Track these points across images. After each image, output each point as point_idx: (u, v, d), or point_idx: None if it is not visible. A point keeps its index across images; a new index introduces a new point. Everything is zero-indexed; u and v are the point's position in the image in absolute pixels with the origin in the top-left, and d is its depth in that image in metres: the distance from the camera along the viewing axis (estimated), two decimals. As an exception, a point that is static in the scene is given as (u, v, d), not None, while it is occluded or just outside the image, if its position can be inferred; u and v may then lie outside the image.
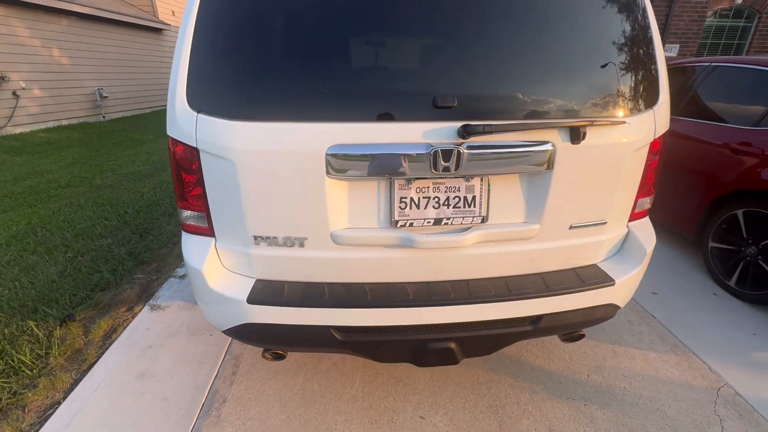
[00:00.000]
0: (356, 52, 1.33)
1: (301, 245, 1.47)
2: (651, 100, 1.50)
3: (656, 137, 1.53)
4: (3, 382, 2.13)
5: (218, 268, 1.53)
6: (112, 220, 4.18)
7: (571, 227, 1.54)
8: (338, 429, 1.88)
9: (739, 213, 2.89)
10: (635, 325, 2.63)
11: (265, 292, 1.48)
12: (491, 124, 1.27)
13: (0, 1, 7.66)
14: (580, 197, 1.49)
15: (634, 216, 1.69)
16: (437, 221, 1.45)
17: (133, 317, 2.72)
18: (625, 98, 1.45)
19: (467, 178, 1.42)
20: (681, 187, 3.34)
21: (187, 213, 1.51)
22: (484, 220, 1.47)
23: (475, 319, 1.49)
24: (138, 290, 3.01)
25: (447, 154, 1.32)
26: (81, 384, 2.16)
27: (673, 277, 3.21)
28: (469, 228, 1.48)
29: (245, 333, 1.53)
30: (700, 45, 9.06)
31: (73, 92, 9.48)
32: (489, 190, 1.45)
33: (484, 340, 1.57)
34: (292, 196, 1.37)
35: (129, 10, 11.54)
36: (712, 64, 3.50)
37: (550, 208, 1.48)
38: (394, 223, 1.44)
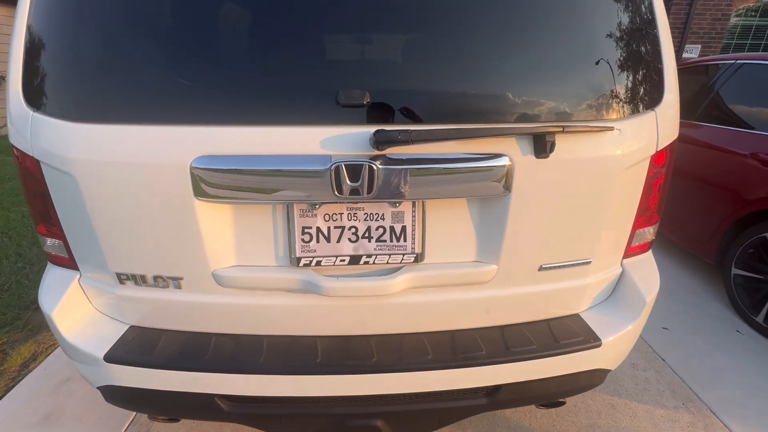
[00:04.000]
0: (228, 30, 0.97)
1: (177, 287, 1.11)
2: (652, 99, 1.10)
3: (660, 149, 1.13)
4: None
5: (80, 310, 1.19)
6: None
7: (541, 268, 1.15)
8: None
9: (770, 236, 2.43)
10: (640, 369, 2.20)
11: (132, 347, 1.13)
12: (415, 130, 0.90)
13: None
14: (553, 229, 1.10)
15: (631, 251, 1.28)
16: (354, 259, 1.08)
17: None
18: (615, 96, 1.05)
19: (394, 203, 1.05)
20: (699, 202, 2.87)
21: (45, 240, 1.18)
22: (418, 258, 1.09)
23: (408, 390, 1.11)
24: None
25: (354, 171, 0.94)
26: (-28, 429, 1.85)
27: (688, 309, 2.74)
28: (399, 269, 1.10)
29: (111, 395, 1.18)
30: (724, 46, 8.43)
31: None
32: (424, 218, 1.07)
33: (421, 417, 1.18)
34: (154, 224, 1.03)
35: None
36: (738, 61, 3.04)
37: (511, 244, 1.09)
38: (295, 261, 1.07)
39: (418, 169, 0.97)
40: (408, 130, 0.88)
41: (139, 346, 1.14)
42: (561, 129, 0.95)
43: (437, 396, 1.14)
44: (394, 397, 1.14)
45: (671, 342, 2.40)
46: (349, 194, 0.96)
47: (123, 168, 0.97)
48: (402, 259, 1.09)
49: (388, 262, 1.09)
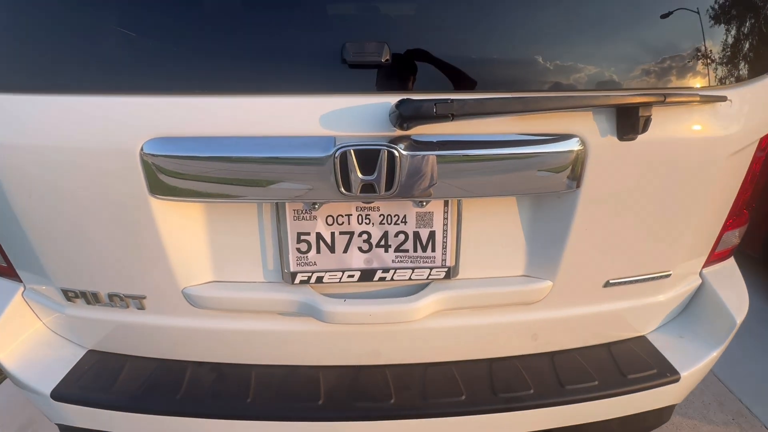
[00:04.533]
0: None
1: (140, 307, 0.87)
2: (770, 58, 0.81)
3: None
4: None
5: (27, 330, 0.95)
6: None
7: (607, 284, 0.89)
8: None
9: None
10: (681, 377, 1.96)
11: (87, 380, 0.90)
12: (458, 100, 0.62)
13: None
14: (628, 234, 0.83)
15: (714, 258, 1.01)
16: (367, 275, 0.83)
17: None
18: (725, 55, 0.76)
19: (420, 201, 0.78)
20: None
21: None
22: (450, 273, 0.83)
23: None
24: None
25: (368, 159, 0.67)
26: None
27: None
28: (425, 286, 0.85)
29: None
30: None
31: None
32: (459, 222, 0.81)
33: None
34: (101, 229, 0.77)
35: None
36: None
37: (574, 254, 0.82)
38: (288, 277, 0.82)
39: (457, 156, 0.70)
40: (448, 100, 0.60)
41: (96, 378, 0.91)
42: (662, 99, 0.66)
43: None
44: None
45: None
46: (360, 191, 0.69)
47: (50, 154, 0.71)
48: (429, 274, 0.83)
49: (410, 278, 0.83)
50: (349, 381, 0.90)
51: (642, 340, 1.01)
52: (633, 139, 0.72)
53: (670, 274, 0.91)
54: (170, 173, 0.70)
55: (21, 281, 0.94)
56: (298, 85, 0.68)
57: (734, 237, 1.03)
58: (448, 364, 0.93)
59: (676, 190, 0.80)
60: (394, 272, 0.82)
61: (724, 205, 0.90)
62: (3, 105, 0.70)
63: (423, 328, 0.87)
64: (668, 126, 0.74)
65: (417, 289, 0.85)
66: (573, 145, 0.72)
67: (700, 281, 1.02)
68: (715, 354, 0.96)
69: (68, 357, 0.96)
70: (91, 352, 0.97)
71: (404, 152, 0.67)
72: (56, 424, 0.98)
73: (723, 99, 0.73)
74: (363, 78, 0.67)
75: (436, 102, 0.59)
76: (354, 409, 0.84)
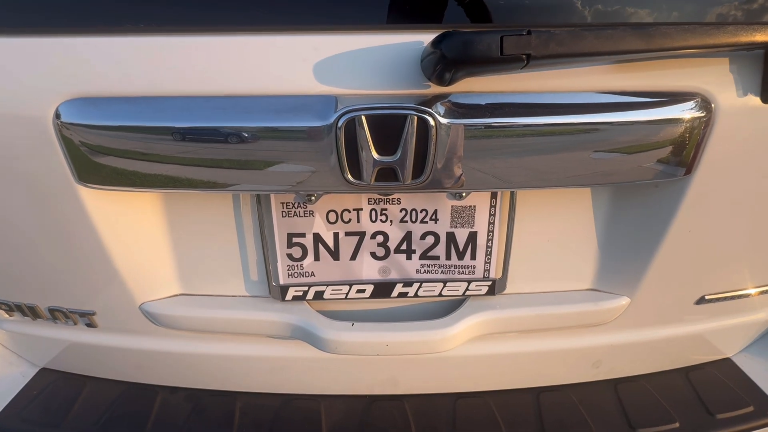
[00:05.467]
0: None
1: (90, 324, 0.68)
2: None
3: None
4: None
5: None
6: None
7: (701, 300, 0.67)
8: None
9: None
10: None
11: (35, 409, 0.73)
12: (538, 32, 0.37)
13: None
14: (742, 239, 0.60)
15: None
16: (383, 289, 0.61)
17: None
18: None
19: (457, 193, 0.56)
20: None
21: None
22: (495, 287, 0.62)
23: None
24: None
25: (387, 130, 0.44)
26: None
27: None
28: (461, 303, 0.64)
29: None
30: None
31: None
32: (512, 220, 0.58)
33: None
34: (22, 227, 0.57)
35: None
36: None
37: (666, 263, 0.60)
38: (278, 292, 0.61)
39: (518, 127, 0.46)
40: (523, 31, 0.36)
41: (47, 407, 0.73)
42: None
43: None
44: None
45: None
46: (376, 179, 0.47)
47: None
48: (467, 289, 0.62)
49: (441, 294, 0.62)
50: (358, 415, 0.71)
51: (727, 363, 0.80)
52: (785, 101, 0.48)
53: (779, 287, 0.69)
54: (98, 150, 0.48)
55: None
56: (282, 17, 0.45)
57: None
58: (483, 395, 0.73)
59: None
60: (420, 286, 0.61)
61: None
62: None
63: (457, 355, 0.67)
64: None
65: (450, 307, 0.64)
66: (691, 109, 0.48)
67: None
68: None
69: (16, 376, 0.78)
70: (44, 371, 0.79)
71: (443, 120, 0.44)
72: None
73: None
74: (378, 4, 0.43)
75: (504, 34, 0.36)
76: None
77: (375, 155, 0.45)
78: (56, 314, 0.67)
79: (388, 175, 0.47)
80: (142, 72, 0.46)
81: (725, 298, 0.67)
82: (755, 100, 0.48)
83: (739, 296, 0.68)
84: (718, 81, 0.48)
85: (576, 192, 0.58)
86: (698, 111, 0.48)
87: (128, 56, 0.46)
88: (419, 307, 0.65)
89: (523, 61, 0.37)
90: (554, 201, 0.59)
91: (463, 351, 0.67)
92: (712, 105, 0.48)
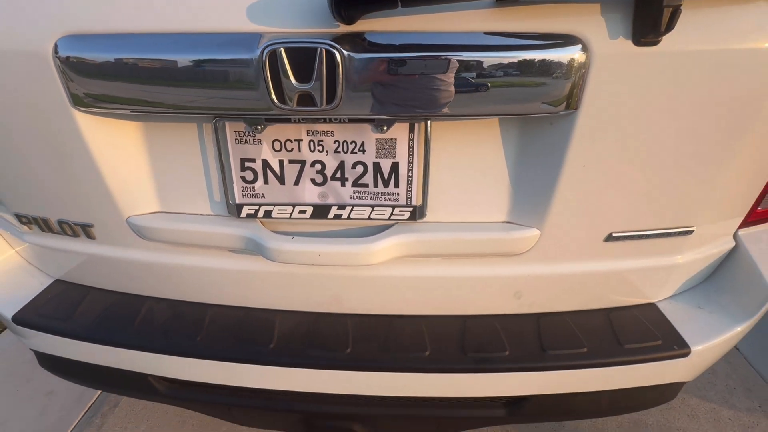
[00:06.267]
0: None
1: (89, 236, 0.83)
2: None
3: None
4: None
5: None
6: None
7: (610, 237, 0.74)
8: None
9: None
10: (706, 358, 1.78)
11: (48, 308, 0.89)
12: None
13: None
14: (639, 175, 0.67)
15: (755, 217, 0.83)
16: (321, 211, 0.73)
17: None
18: None
19: (380, 126, 0.66)
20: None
21: None
22: (416, 213, 0.72)
23: (394, 394, 0.80)
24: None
25: (303, 60, 0.55)
26: (-27, 359, 1.83)
27: None
28: (387, 228, 0.74)
29: (41, 360, 0.98)
30: None
31: None
32: (427, 152, 0.67)
33: (416, 424, 0.89)
34: (34, 147, 0.71)
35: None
36: None
37: (566, 197, 0.68)
38: (234, 209, 0.74)
39: (416, 60, 0.56)
40: None
41: (57, 307, 0.89)
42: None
43: (432, 404, 0.83)
44: (377, 399, 0.84)
45: (755, 328, 1.94)
46: (298, 104, 0.57)
47: None
48: (392, 214, 0.72)
49: (370, 218, 0.72)
50: (305, 328, 0.83)
51: (651, 308, 0.86)
52: (654, 43, 0.54)
53: (692, 231, 0.75)
54: (85, 80, 0.61)
55: None
56: None
57: (786, 193, 0.84)
58: (417, 319, 0.84)
59: (709, 122, 0.62)
60: (352, 209, 0.72)
61: None
62: None
63: (388, 275, 0.78)
64: (707, 30, 0.56)
65: (378, 230, 0.74)
66: (574, 50, 0.56)
67: (734, 244, 0.84)
68: (738, 329, 0.81)
69: (35, 285, 0.95)
70: (57, 282, 0.96)
71: (348, 53, 0.54)
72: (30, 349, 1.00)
73: None
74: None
75: None
76: (305, 357, 0.78)
77: (294, 82, 0.56)
78: (63, 226, 0.82)
79: (307, 100, 0.57)
80: (116, 12, 0.58)
81: (634, 237, 0.74)
82: (628, 44, 0.55)
83: (647, 236, 0.74)
84: (593, 25, 0.55)
85: (485, 126, 0.66)
86: (576, 53, 0.56)
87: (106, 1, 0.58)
88: (353, 230, 0.76)
89: (397, 1, 0.46)
90: (466, 134, 0.67)
91: (395, 273, 0.77)
92: (589, 48, 0.56)
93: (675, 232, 0.74)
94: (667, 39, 0.55)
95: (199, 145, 0.72)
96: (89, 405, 1.62)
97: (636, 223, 0.73)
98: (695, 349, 0.78)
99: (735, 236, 0.84)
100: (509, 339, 0.79)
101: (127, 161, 0.73)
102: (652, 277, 0.82)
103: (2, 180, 0.79)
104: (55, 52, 0.60)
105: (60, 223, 0.82)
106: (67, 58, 0.60)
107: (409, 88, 0.57)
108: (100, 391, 1.68)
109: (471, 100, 0.58)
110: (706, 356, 0.80)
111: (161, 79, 0.60)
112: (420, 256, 0.75)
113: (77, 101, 0.64)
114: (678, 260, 0.80)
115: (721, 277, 0.88)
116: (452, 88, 0.57)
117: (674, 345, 0.78)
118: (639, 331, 0.81)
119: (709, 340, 0.79)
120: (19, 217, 0.85)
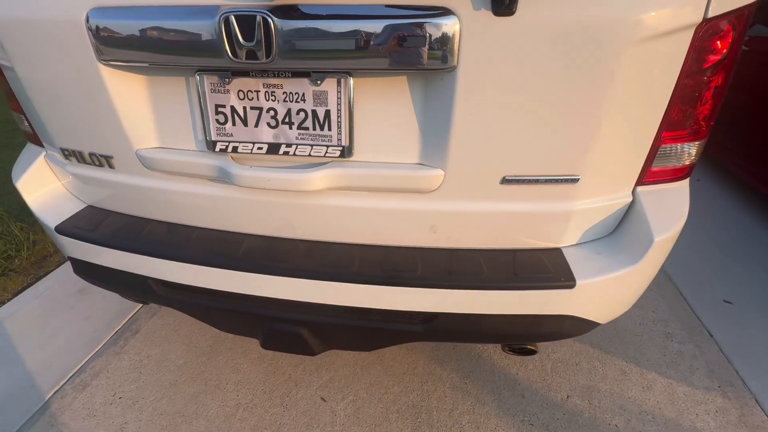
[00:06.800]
0: None
1: (110, 166, 1.09)
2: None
3: (714, 16, 0.75)
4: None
5: (48, 185, 1.24)
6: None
7: (504, 180, 0.89)
8: (228, 389, 1.63)
9: None
10: (675, 341, 1.84)
11: (80, 223, 1.17)
12: None
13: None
14: (519, 126, 0.82)
15: (652, 176, 0.95)
16: (273, 148, 0.94)
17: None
18: None
19: (315, 80, 0.86)
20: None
21: (18, 116, 1.22)
22: (345, 152, 0.91)
23: (327, 301, 1.00)
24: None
25: (246, 25, 0.76)
26: (30, 289, 2.22)
27: (762, 274, 2.19)
28: (323, 164, 0.94)
29: (75, 267, 1.26)
30: None
31: None
32: (351, 102, 0.87)
33: (350, 333, 1.08)
34: (72, 94, 0.97)
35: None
36: None
37: (459, 142, 0.85)
38: (211, 145, 0.96)
39: (325, 25, 0.75)
40: None
41: (87, 223, 1.17)
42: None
43: (364, 314, 1.02)
44: (322, 308, 1.04)
45: (729, 318, 1.95)
46: (246, 58, 0.79)
47: (31, 25, 0.90)
48: (326, 152, 0.92)
49: (310, 155, 0.92)
50: (265, 247, 1.05)
51: (556, 252, 1.00)
52: (509, 14, 0.70)
53: (577, 179, 0.89)
54: (106, 41, 0.86)
55: (43, 146, 1.22)
56: None
57: (684, 154, 0.95)
58: (352, 246, 1.03)
59: (569, 84, 0.77)
60: (296, 148, 0.92)
61: (651, 108, 0.84)
62: None
63: (325, 204, 0.97)
64: (555, 4, 0.71)
65: (316, 165, 0.94)
66: (448, 19, 0.73)
67: (631, 199, 0.97)
68: (623, 272, 0.93)
69: (72, 208, 1.23)
70: (88, 207, 1.24)
71: (278, 20, 0.75)
72: (67, 257, 1.29)
73: None
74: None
75: None
76: (261, 265, 0.99)
77: (242, 41, 0.77)
78: (93, 158, 1.09)
79: (252, 54, 0.78)
80: None
81: (525, 181, 0.89)
82: (488, 13, 0.71)
83: (536, 180, 0.89)
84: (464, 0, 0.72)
85: (395, 80, 0.84)
86: (450, 21, 0.73)
87: None
88: (299, 166, 0.96)
89: None
90: (384, 91, 0.86)
91: (330, 202, 0.97)
92: (459, 17, 0.72)
93: (561, 179, 0.89)
94: (522, 10, 0.71)
95: (187, 95, 0.95)
96: (116, 330, 1.96)
97: (526, 169, 0.88)
98: (580, 282, 0.91)
99: (634, 193, 0.97)
100: (423, 264, 0.97)
101: (136, 106, 0.97)
102: (551, 222, 0.96)
103: (51, 121, 1.06)
104: (87, 20, 0.85)
105: (90, 155, 1.09)
106: (96, 24, 0.85)
107: (323, 47, 0.77)
108: (125, 320, 2.01)
109: (372, 57, 0.77)
110: (591, 291, 0.93)
111: (155, 40, 0.83)
112: (348, 188, 0.94)
113: (100, 57, 0.89)
114: (574, 207, 0.94)
115: (622, 229, 1.00)
116: (355, 48, 0.76)
117: (562, 278, 0.92)
118: (536, 267, 0.95)
119: (594, 277, 0.92)
120: (63, 151, 1.13)
